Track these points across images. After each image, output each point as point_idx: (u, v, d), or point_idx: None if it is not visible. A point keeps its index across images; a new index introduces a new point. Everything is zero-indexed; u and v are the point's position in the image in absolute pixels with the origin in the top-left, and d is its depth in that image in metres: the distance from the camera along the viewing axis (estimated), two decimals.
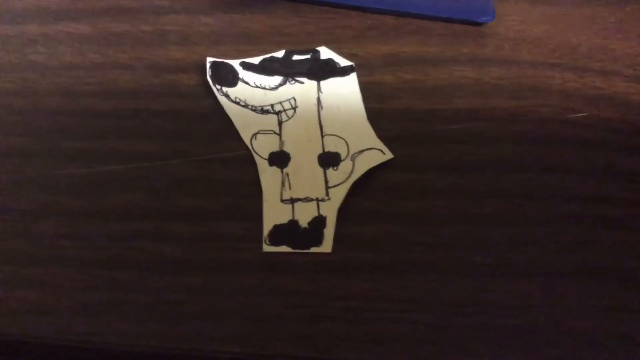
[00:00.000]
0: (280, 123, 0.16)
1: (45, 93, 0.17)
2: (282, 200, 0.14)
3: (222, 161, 0.15)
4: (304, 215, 0.14)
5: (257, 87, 0.17)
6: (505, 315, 0.13)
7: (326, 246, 0.14)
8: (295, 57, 0.17)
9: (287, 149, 0.15)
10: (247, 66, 0.17)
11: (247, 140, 0.15)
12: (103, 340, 0.13)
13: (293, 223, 0.14)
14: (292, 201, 0.14)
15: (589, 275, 0.14)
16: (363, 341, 0.13)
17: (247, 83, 0.17)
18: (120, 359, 0.14)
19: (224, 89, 0.16)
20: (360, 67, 0.17)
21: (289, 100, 0.16)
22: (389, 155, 0.15)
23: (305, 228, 0.14)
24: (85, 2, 0.19)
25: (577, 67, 0.18)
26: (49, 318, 0.13)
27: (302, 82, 0.17)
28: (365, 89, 0.17)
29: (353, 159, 0.15)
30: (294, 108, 0.16)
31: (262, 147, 0.15)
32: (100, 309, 0.13)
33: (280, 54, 0.17)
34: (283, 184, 0.15)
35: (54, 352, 0.14)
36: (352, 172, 0.15)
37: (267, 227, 0.14)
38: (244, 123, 0.16)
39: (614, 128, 0.17)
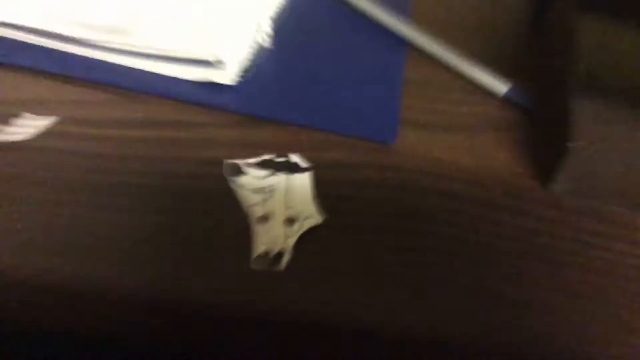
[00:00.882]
0: (265, 200, 0.29)
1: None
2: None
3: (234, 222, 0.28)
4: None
5: (254, 177, 0.30)
6: None
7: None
8: (277, 160, 0.30)
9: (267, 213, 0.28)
10: (249, 164, 0.30)
11: (245, 210, 0.28)
12: None
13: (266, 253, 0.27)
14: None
15: None
16: None
17: (247, 174, 0.30)
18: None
19: (234, 179, 0.29)
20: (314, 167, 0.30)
21: (271, 185, 0.29)
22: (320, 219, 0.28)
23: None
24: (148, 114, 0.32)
25: None
26: None
27: (278, 175, 0.30)
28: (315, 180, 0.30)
29: (301, 221, 0.28)
30: (273, 190, 0.29)
31: (254, 214, 0.28)
32: None
33: (269, 156, 0.30)
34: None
35: None
36: (299, 230, 0.28)
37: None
38: (245, 199, 0.28)
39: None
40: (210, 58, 0.32)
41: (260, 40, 0.36)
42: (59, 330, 0.26)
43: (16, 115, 0.30)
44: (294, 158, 0.30)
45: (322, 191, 0.29)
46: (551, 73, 0.36)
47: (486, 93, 0.36)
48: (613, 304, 0.26)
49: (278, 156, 0.30)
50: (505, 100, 0.36)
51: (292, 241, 0.26)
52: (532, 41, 0.40)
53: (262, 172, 0.29)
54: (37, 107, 0.31)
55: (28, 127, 0.30)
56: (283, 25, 0.37)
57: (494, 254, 0.27)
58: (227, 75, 0.32)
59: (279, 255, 0.26)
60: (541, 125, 0.34)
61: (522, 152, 0.33)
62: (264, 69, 0.34)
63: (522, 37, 0.40)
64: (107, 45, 0.32)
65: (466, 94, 0.36)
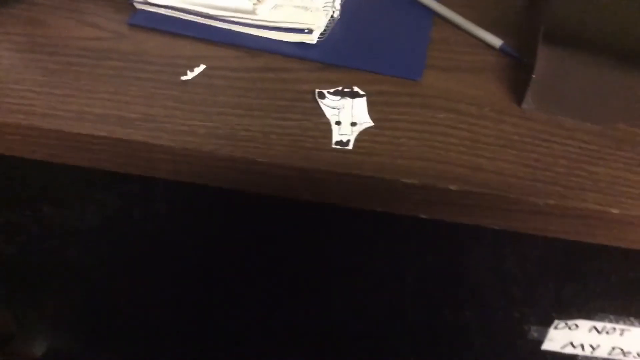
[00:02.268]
0: (339, 112, 0.47)
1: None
2: None
3: (321, 124, 0.47)
4: None
5: (331, 100, 0.48)
6: None
7: None
8: (345, 90, 0.48)
9: None
10: (329, 92, 0.48)
11: (328, 117, 0.47)
12: None
13: None
14: None
15: None
16: None
17: (328, 98, 0.48)
18: None
19: (321, 100, 0.48)
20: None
21: (342, 104, 0.48)
22: (372, 123, 0.46)
23: None
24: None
25: None
26: None
27: (346, 99, 0.48)
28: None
29: (360, 124, 0.46)
30: (343, 107, 0.48)
31: (332, 119, 0.47)
32: None
33: (340, 88, 0.48)
34: None
35: None
36: (359, 129, 0.46)
37: None
38: (327, 112, 0.47)
39: None
40: (304, 27, 0.50)
41: (332, 14, 0.54)
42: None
43: (183, 65, 0.49)
44: (356, 89, 0.48)
45: (373, 108, 0.47)
46: (533, 29, 0.52)
47: (486, 46, 0.53)
48: (551, 170, 0.43)
49: (346, 88, 0.48)
50: (500, 51, 0.52)
51: (355, 134, 0.45)
52: (523, 5, 0.56)
53: (337, 97, 0.47)
54: (193, 60, 0.50)
55: (192, 72, 0.49)
56: (347, 2, 0.55)
57: (478, 144, 0.45)
58: (313, 37, 0.51)
59: (348, 141, 0.44)
60: (520, 67, 0.51)
61: (507, 85, 0.49)
62: (335, 32, 0.52)
63: (516, 2, 0.57)
64: (233, 19, 0.51)
65: (472, 47, 0.53)
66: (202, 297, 0.59)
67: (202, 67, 0.49)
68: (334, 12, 0.54)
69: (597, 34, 0.46)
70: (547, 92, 0.47)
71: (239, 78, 0.49)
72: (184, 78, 0.48)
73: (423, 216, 0.44)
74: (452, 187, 0.42)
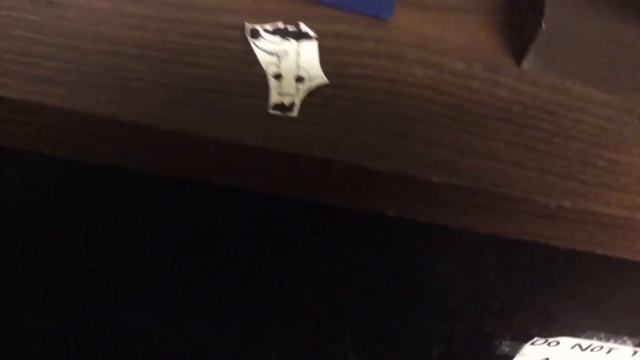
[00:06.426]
0: (280, 60, 0.33)
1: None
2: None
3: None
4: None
5: (270, 41, 0.34)
6: None
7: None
8: (290, 28, 0.34)
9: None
10: (266, 30, 0.34)
11: (264, 67, 0.33)
12: None
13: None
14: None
15: None
16: None
17: (265, 38, 0.34)
18: None
19: (254, 41, 0.34)
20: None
21: (285, 49, 0.34)
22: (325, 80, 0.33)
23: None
24: None
25: None
26: None
27: (290, 41, 0.34)
28: None
29: (309, 80, 0.33)
30: (286, 53, 0.34)
31: (270, 71, 0.33)
32: None
33: (283, 25, 0.34)
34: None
35: None
36: (308, 87, 0.32)
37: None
38: (263, 59, 0.33)
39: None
40: None
41: None
42: None
43: None
44: (304, 27, 0.34)
45: (327, 58, 0.33)
46: None
47: None
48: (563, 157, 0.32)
49: (289, 25, 0.34)
50: None
51: (302, 95, 0.31)
52: None
53: (277, 38, 0.33)
54: None
55: None
56: None
57: (467, 116, 0.33)
58: None
59: (292, 105, 0.31)
60: (522, 11, 0.38)
61: (502, 33, 0.37)
62: None
63: None
64: None
65: None
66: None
67: None
68: None
69: None
70: (556, 48, 0.35)
71: (132, 0, 0.33)
72: None
73: (391, 214, 0.32)
74: (436, 179, 0.30)
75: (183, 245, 0.42)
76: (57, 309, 0.49)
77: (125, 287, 0.46)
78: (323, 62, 0.33)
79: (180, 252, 0.42)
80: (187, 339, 0.50)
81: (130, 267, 0.44)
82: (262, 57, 0.32)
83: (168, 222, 0.40)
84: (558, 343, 0.40)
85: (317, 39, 0.34)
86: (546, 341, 0.40)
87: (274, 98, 0.31)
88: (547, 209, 0.30)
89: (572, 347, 0.40)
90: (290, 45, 0.33)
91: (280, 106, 0.31)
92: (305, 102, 0.31)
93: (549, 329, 0.40)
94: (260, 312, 0.45)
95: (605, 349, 0.40)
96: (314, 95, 0.32)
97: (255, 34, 0.33)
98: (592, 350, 0.40)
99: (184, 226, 0.40)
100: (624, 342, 0.40)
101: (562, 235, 0.32)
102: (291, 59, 0.33)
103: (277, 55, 0.33)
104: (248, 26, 0.33)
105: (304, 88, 0.31)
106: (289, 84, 0.31)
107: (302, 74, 0.32)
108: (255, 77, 0.32)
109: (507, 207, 0.31)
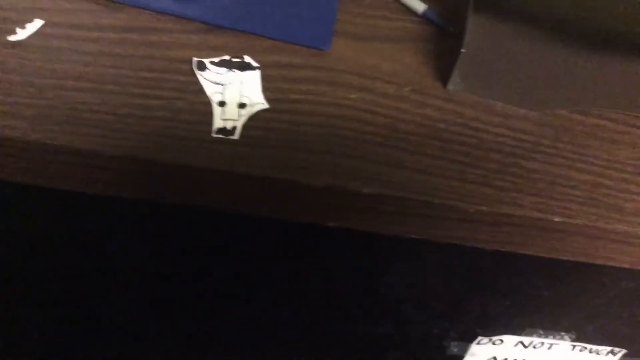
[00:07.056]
0: (224, 89, 0.37)
1: None
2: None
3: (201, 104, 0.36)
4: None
5: (215, 72, 0.37)
6: None
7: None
8: (234, 60, 0.38)
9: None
10: (212, 62, 0.37)
11: (209, 96, 0.36)
12: None
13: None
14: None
15: None
16: None
17: (210, 70, 0.37)
18: None
19: (201, 73, 0.37)
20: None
21: (229, 78, 0.37)
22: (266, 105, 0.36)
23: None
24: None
25: None
26: None
27: (235, 72, 0.37)
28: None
29: (251, 106, 0.36)
30: (230, 83, 0.37)
31: (215, 99, 0.36)
32: None
33: (228, 57, 0.38)
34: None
35: None
36: (249, 112, 0.36)
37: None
38: (208, 88, 0.36)
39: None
40: None
41: None
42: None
43: (13, 21, 0.37)
44: (247, 59, 0.37)
45: (269, 85, 0.37)
46: None
47: (407, 11, 0.44)
48: (482, 167, 0.36)
49: (234, 57, 0.37)
50: (424, 17, 0.43)
51: (243, 120, 0.34)
52: None
53: (222, 69, 0.37)
54: (26, 13, 0.37)
55: (23, 30, 0.36)
56: None
57: (397, 133, 0.36)
58: None
59: (234, 128, 0.34)
60: (447, 38, 0.42)
61: (431, 59, 0.41)
62: None
63: None
64: None
65: (390, 11, 0.43)
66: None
67: (39, 23, 0.37)
68: None
69: (539, 3, 0.38)
70: (477, 70, 0.39)
71: (89, 39, 0.37)
72: (12, 38, 0.36)
73: (330, 224, 0.35)
74: (366, 191, 0.33)
75: (131, 266, 0.44)
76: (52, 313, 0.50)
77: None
78: (265, 89, 0.36)
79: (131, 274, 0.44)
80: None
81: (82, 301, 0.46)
82: (207, 87, 0.35)
83: (126, 244, 0.43)
84: (502, 341, 0.43)
85: (259, 68, 0.37)
86: (490, 340, 0.43)
87: (217, 123, 0.34)
88: (466, 213, 0.34)
89: (516, 345, 0.43)
90: (235, 75, 0.37)
91: (222, 130, 0.34)
92: (247, 125, 0.34)
93: (492, 328, 0.43)
94: (213, 325, 0.48)
95: (546, 345, 0.43)
96: (256, 120, 0.35)
97: (202, 67, 0.36)
98: (534, 347, 0.43)
99: (138, 245, 0.42)
100: (562, 338, 0.43)
101: (484, 238, 0.35)
102: (235, 88, 0.36)
103: (221, 84, 0.36)
104: (195, 60, 0.37)
105: (245, 113, 0.35)
106: (231, 110, 0.35)
107: (245, 100, 0.35)
108: (202, 105, 0.35)
109: (433, 214, 0.34)
